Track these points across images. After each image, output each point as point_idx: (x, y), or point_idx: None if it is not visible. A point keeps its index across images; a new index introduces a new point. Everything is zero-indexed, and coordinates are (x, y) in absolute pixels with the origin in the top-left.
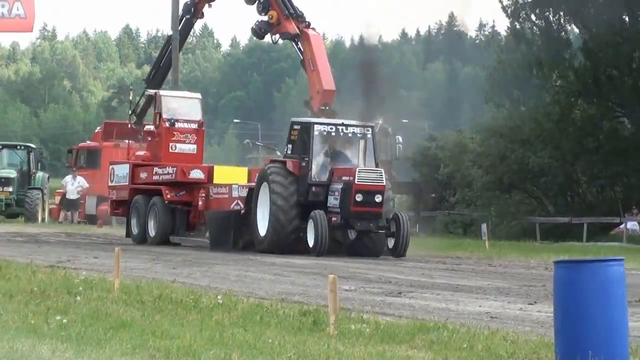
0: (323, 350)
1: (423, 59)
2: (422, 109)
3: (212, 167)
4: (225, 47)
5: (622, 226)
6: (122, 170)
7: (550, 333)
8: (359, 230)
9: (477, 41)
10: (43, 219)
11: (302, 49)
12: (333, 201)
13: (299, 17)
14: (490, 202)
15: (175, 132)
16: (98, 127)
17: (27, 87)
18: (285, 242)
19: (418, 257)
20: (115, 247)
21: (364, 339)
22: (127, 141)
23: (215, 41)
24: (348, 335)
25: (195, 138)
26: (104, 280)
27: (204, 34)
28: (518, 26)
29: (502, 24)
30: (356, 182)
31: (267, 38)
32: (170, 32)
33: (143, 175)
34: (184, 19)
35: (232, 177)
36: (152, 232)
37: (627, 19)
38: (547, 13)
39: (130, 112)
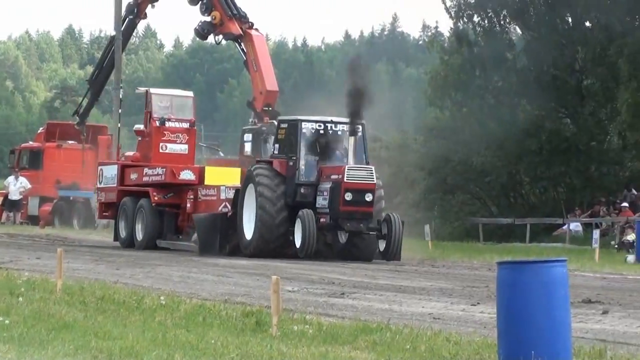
0: (266, 351)
1: (366, 60)
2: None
3: (204, 168)
4: (169, 47)
5: (564, 227)
6: (110, 172)
7: (493, 334)
8: (349, 231)
9: (421, 42)
10: None
11: (245, 50)
12: (322, 201)
13: (242, 18)
14: (433, 203)
15: (165, 132)
16: (41, 128)
17: None
18: (273, 245)
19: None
20: (58, 247)
21: (307, 340)
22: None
23: (158, 42)
24: (291, 336)
25: (187, 138)
26: (46, 281)
27: (147, 35)
28: (461, 27)
29: (446, 25)
30: (345, 181)
31: (210, 39)
32: (113, 33)
33: (133, 176)
34: (127, 19)
35: (224, 178)
36: (139, 236)
37: (570, 19)
38: (490, 14)
39: (73, 113)
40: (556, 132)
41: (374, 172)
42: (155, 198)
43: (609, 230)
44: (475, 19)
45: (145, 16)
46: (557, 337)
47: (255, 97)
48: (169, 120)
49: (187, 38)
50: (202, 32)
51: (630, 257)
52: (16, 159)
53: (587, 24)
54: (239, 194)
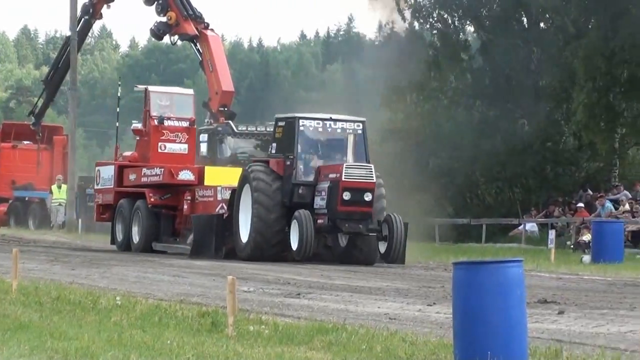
0: (222, 351)
1: (322, 60)
2: (322, 110)
3: (203, 168)
4: (124, 48)
5: (520, 227)
6: (107, 172)
7: (450, 334)
8: (347, 233)
9: (377, 42)
10: None
11: (200, 50)
12: (320, 202)
13: (197, 18)
14: (389, 204)
15: (164, 131)
16: None
17: None
18: (269, 248)
19: (315, 258)
20: (14, 248)
21: (263, 340)
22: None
23: (113, 42)
24: (247, 336)
25: (187, 137)
26: (1, 281)
27: (102, 35)
28: (417, 27)
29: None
30: (343, 179)
31: (166, 39)
32: (68, 33)
33: (132, 177)
34: (83, 19)
35: (225, 178)
36: (135, 239)
37: (525, 20)
38: (445, 15)
39: (28, 114)
40: (512, 132)
41: (373, 170)
42: (152, 199)
43: (564, 230)
44: (431, 19)
45: (100, 16)
46: (513, 337)
47: (211, 97)
48: (168, 119)
49: (143, 38)
50: (158, 32)
51: (586, 258)
52: None
53: (542, 25)
54: (235, 194)
